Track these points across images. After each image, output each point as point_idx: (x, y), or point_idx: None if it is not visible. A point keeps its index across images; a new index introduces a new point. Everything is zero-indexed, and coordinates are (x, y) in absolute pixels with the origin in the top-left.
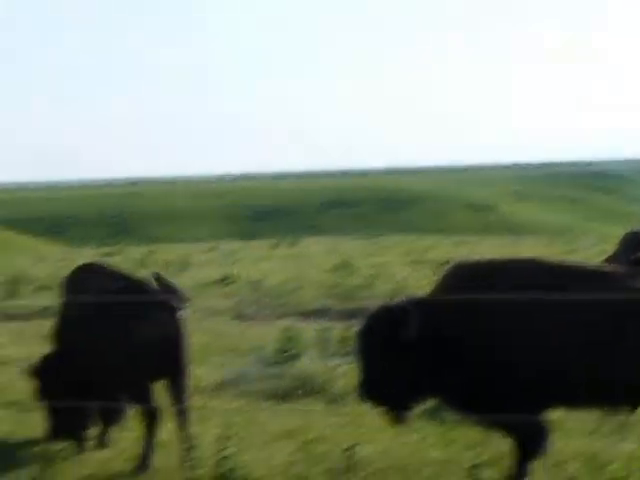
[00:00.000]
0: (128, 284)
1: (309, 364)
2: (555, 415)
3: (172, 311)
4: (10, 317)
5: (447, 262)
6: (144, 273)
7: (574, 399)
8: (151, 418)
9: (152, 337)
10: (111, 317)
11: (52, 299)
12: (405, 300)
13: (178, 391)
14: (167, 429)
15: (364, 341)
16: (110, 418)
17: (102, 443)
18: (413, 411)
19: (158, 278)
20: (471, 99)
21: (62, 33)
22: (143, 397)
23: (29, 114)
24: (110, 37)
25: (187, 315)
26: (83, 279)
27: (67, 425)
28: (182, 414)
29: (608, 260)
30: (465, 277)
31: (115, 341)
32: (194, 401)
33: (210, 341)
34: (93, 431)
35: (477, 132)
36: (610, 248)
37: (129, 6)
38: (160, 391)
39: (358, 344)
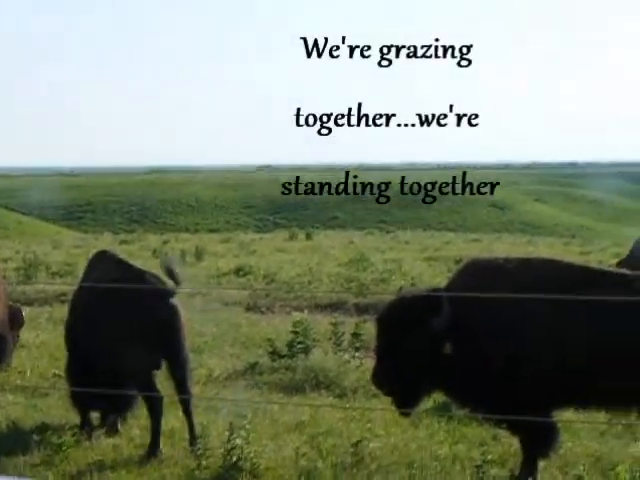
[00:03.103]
0: (125, 273)
1: (321, 357)
2: (564, 416)
3: (165, 298)
4: (26, 302)
5: (461, 259)
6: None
7: (585, 400)
8: (155, 407)
9: (147, 325)
10: (108, 305)
11: (66, 285)
12: (437, 291)
13: (180, 379)
14: (178, 417)
15: (389, 326)
16: (120, 405)
17: (112, 430)
18: (421, 407)
19: (164, 263)
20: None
21: None
22: (145, 385)
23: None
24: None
25: (181, 302)
26: (93, 266)
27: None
28: (186, 403)
29: (620, 264)
30: (477, 274)
31: (113, 328)
32: (205, 391)
33: (223, 332)
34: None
35: (497, 129)
36: (624, 251)
37: None
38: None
39: (381, 329)
